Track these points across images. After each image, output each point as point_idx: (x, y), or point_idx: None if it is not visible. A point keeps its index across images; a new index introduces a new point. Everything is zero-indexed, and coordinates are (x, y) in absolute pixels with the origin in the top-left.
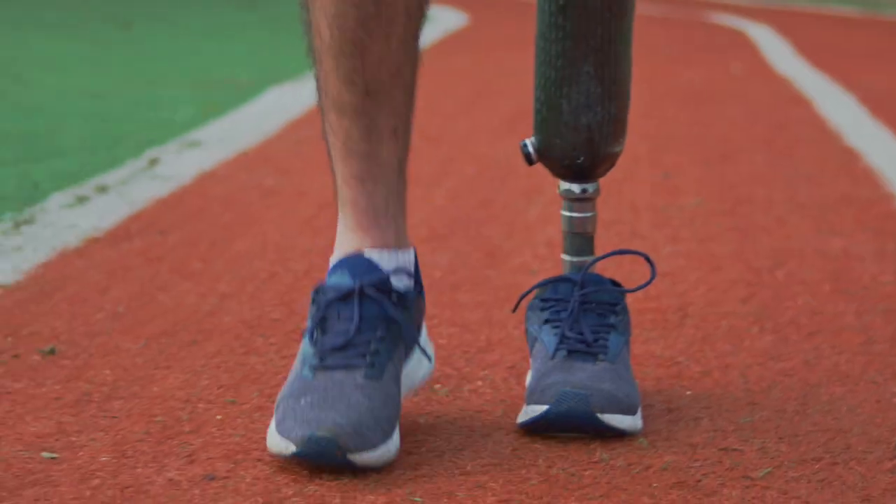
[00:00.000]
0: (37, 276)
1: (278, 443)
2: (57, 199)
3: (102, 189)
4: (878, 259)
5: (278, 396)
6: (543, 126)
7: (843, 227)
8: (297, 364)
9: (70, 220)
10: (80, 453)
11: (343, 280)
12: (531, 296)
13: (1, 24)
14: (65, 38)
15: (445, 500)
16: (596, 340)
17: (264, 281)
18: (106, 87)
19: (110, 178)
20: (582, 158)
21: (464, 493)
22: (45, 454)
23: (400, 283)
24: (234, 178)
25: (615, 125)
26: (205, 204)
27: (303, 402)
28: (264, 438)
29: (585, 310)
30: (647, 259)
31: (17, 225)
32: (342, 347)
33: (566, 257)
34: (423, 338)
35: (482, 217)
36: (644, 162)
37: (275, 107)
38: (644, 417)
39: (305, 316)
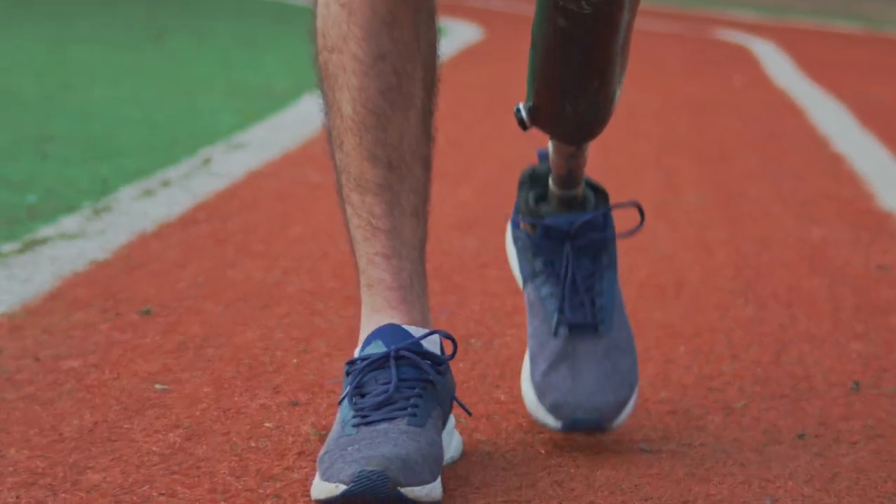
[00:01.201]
0: (122, 254)
1: (326, 488)
2: (126, 193)
3: (166, 183)
4: (852, 246)
5: (319, 455)
6: (540, 93)
7: (823, 219)
8: (336, 428)
9: (141, 209)
10: (186, 386)
11: (377, 349)
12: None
13: (41, 38)
14: (101, 49)
15: (485, 420)
16: (593, 303)
17: (319, 259)
18: (148, 94)
19: (171, 174)
20: (574, 126)
21: (500, 417)
22: (157, 386)
23: (433, 348)
24: (281, 175)
25: (605, 96)
26: (258, 196)
27: (349, 449)
28: (334, 376)
29: (578, 256)
30: (638, 207)
31: (97, 212)
32: (382, 404)
33: (555, 189)
34: (452, 422)
35: (506, 208)
36: (649, 164)
37: (311, 112)
38: (642, 365)
39: (357, 284)
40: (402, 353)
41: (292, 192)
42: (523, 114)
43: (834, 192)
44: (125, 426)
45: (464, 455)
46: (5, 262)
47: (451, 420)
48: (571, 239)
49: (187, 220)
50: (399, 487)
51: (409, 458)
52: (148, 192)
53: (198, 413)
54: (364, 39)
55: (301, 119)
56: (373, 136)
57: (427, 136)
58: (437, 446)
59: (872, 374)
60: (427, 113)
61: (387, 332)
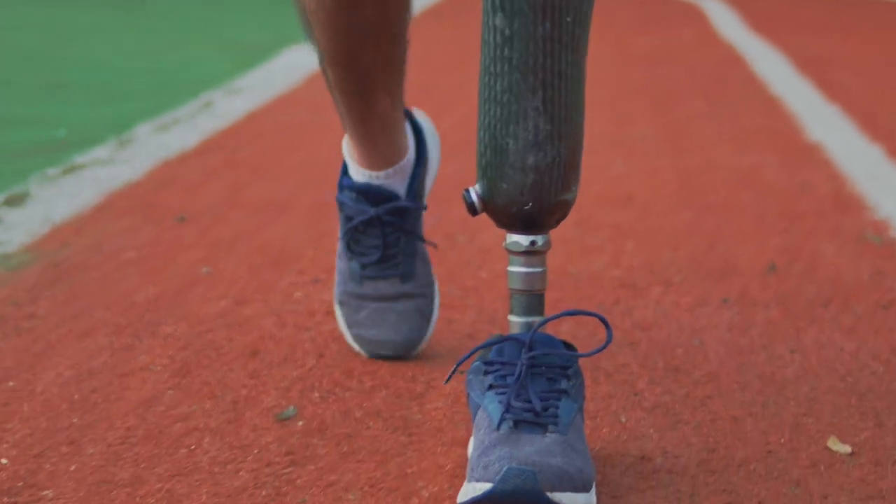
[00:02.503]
0: (151, 176)
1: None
2: (143, 129)
3: (176, 122)
4: (780, 169)
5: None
6: (488, 170)
7: (757, 149)
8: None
9: (159, 142)
10: (225, 270)
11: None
12: (472, 359)
13: (30, 1)
14: (88, 10)
15: (472, 291)
16: (546, 409)
17: (325, 177)
18: (144, 48)
19: (178, 114)
20: (530, 204)
21: (483, 288)
22: (203, 269)
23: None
24: (277, 114)
25: (566, 168)
26: (260, 131)
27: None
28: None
29: (534, 374)
30: (603, 321)
31: (122, 143)
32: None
33: (513, 318)
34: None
35: None
36: (605, 106)
37: (295, 63)
38: (595, 255)
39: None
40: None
41: (290, 127)
42: (473, 197)
43: (768, 127)
44: (183, 296)
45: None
46: (53, 183)
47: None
48: (527, 349)
49: (202, 150)
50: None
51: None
52: (162, 128)
53: (239, 288)
54: None
55: (288, 68)
56: (344, 70)
57: (399, 48)
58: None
59: (786, 260)
60: (396, 34)
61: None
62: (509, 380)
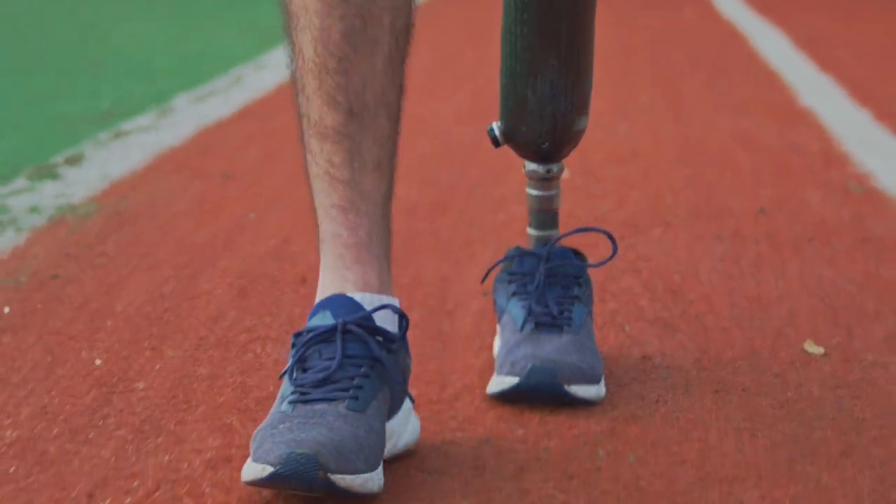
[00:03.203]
0: (193, 141)
1: (254, 469)
2: (180, 101)
3: (211, 94)
4: (775, 131)
5: (253, 434)
6: (510, 114)
7: (753, 115)
8: (275, 405)
9: (197, 111)
10: (272, 218)
11: (325, 320)
12: (498, 269)
13: None
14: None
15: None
16: (561, 313)
17: None
18: (170, 30)
19: (213, 87)
20: (547, 144)
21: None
22: (251, 215)
23: (385, 323)
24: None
25: (577, 114)
26: (290, 102)
27: (281, 427)
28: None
29: (551, 283)
30: (610, 237)
31: (163, 113)
32: (323, 382)
33: (532, 231)
34: (409, 405)
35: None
36: (610, 82)
37: None
38: (600, 200)
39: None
40: (350, 326)
41: None
42: (496, 133)
43: (764, 96)
44: (235, 238)
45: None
46: (105, 146)
47: (407, 403)
48: (545, 261)
49: (238, 119)
50: (330, 474)
51: (343, 444)
52: (199, 99)
53: (284, 230)
54: None
55: None
56: (334, 80)
57: (395, 84)
58: (377, 434)
59: (775, 205)
60: (396, 60)
61: (336, 303)
62: (529, 288)
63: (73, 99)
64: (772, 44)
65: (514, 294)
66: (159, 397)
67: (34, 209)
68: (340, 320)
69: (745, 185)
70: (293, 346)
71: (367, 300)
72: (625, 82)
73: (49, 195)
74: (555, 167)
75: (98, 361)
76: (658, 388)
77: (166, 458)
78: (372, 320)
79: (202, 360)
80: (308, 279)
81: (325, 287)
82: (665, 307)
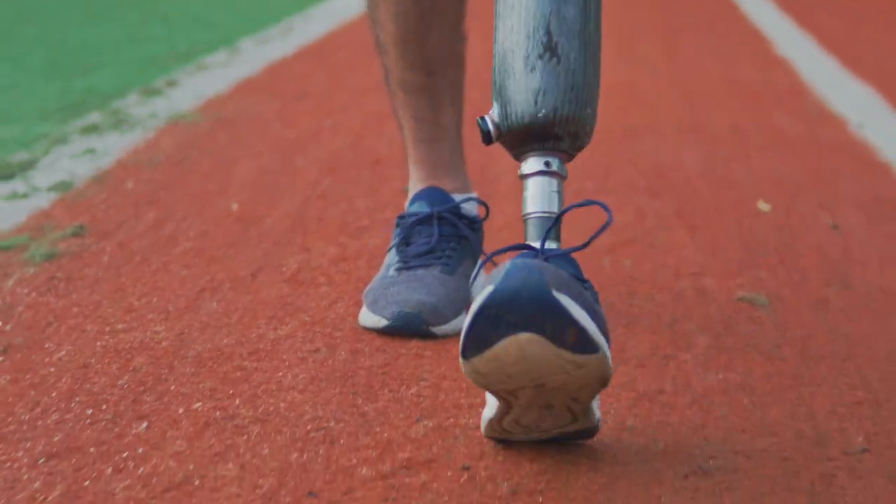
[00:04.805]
0: (264, 73)
1: (371, 319)
2: (246, 43)
3: (271, 38)
4: (750, 72)
5: (366, 290)
6: (503, 92)
7: (734, 61)
8: (382, 270)
9: (262, 51)
10: (346, 118)
11: (422, 208)
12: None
13: None
14: None
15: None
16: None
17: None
18: (186, 11)
19: (270, 34)
20: (543, 112)
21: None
22: (327, 121)
23: (469, 210)
24: (352, 34)
25: (581, 88)
26: (342, 44)
27: (392, 290)
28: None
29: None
30: (605, 207)
31: (234, 52)
32: (424, 254)
33: (531, 242)
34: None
35: None
36: (611, 41)
37: (336, 9)
38: (616, 137)
39: (405, 158)
40: (444, 214)
41: (334, 59)
42: (489, 125)
43: (747, 48)
44: (315, 137)
45: None
46: (193, 75)
47: (480, 267)
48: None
49: (299, 57)
50: (430, 327)
51: (438, 302)
52: (262, 42)
53: (356, 131)
54: None
55: (327, 15)
56: (412, 50)
57: (460, 40)
58: (464, 290)
59: (745, 122)
60: (458, 23)
61: (431, 195)
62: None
63: (152, 43)
64: (758, 5)
65: None
66: (284, 229)
67: (153, 115)
68: (436, 209)
69: (721, 108)
70: (397, 225)
71: (455, 195)
72: (624, 40)
73: (161, 107)
74: (554, 162)
75: (234, 206)
76: (651, 228)
77: (301, 256)
78: (460, 209)
79: (312, 207)
80: (381, 162)
81: (418, 186)
82: (654, 182)
